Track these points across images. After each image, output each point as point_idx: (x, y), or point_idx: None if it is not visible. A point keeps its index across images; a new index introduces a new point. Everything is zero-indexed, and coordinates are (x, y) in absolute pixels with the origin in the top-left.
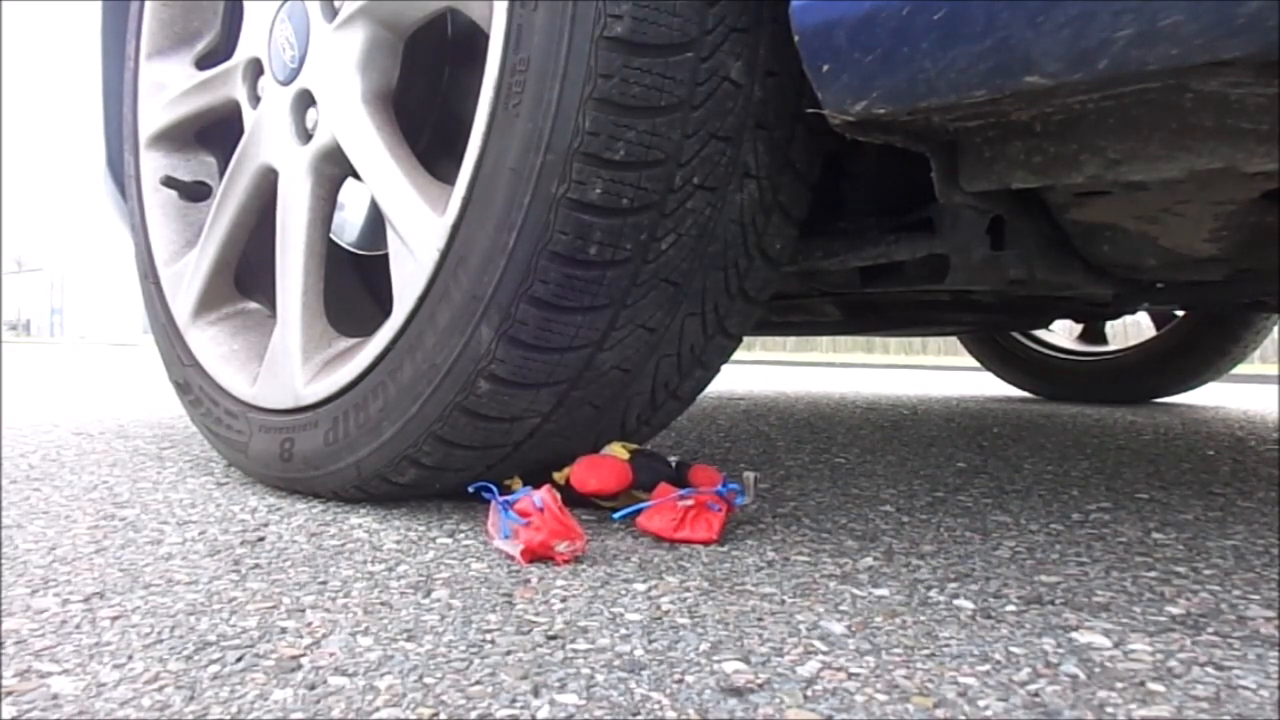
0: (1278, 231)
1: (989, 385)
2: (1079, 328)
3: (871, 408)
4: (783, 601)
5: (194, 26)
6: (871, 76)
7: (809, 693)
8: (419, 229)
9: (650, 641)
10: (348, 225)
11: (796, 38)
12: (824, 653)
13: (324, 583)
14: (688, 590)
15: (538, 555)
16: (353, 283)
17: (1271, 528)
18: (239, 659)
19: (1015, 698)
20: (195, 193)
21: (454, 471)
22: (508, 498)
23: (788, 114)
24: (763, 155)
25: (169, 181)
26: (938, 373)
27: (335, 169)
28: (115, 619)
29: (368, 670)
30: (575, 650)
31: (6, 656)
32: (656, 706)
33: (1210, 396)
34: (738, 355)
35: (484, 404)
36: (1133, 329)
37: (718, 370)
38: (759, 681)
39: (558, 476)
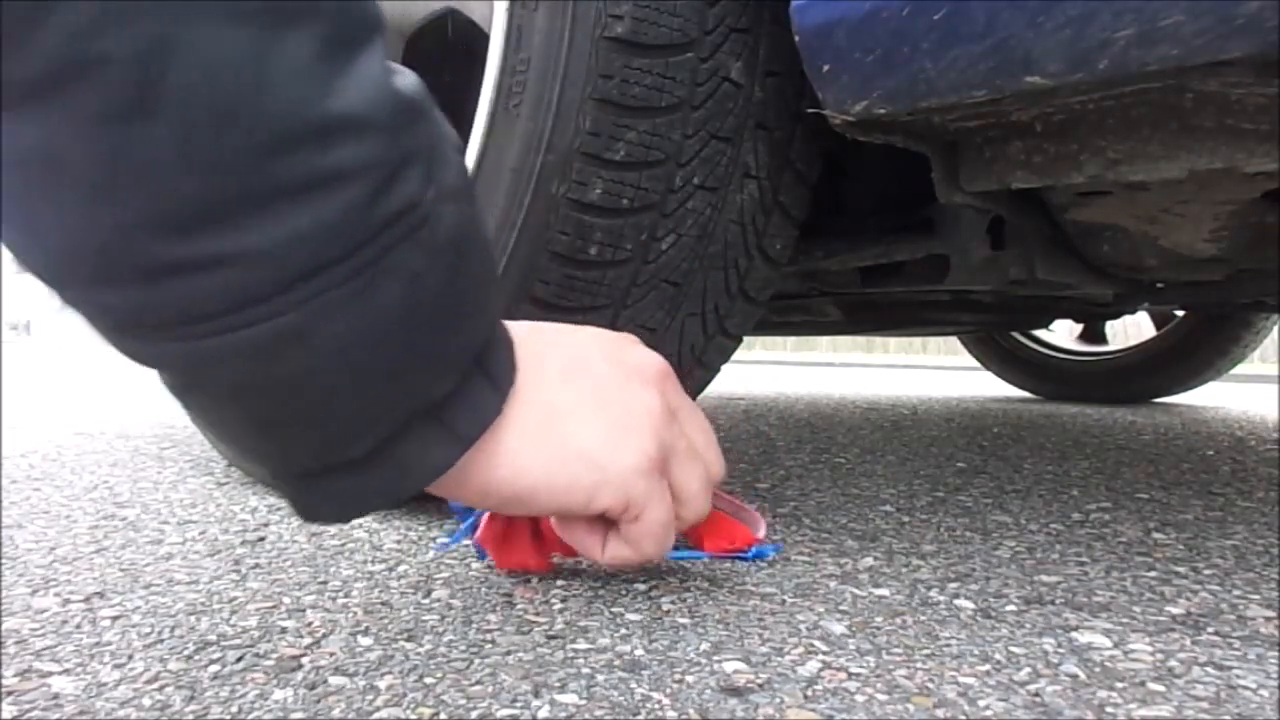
0: (1278, 231)
1: (989, 385)
2: (1079, 328)
3: (871, 408)
4: (783, 601)
5: None
6: (872, 76)
7: (809, 692)
8: None
9: (651, 641)
10: None
11: (796, 38)
12: (824, 653)
13: (324, 583)
14: (688, 590)
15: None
16: None
17: (1271, 528)
18: (239, 659)
19: (1016, 697)
20: None
21: None
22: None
23: (788, 114)
24: (763, 155)
25: None
26: (938, 373)
27: None
28: (115, 619)
29: (368, 670)
30: (575, 650)
31: (7, 656)
32: (657, 706)
33: (1210, 396)
34: (738, 355)
35: None
36: (1133, 329)
37: (718, 370)
38: (759, 681)
39: None
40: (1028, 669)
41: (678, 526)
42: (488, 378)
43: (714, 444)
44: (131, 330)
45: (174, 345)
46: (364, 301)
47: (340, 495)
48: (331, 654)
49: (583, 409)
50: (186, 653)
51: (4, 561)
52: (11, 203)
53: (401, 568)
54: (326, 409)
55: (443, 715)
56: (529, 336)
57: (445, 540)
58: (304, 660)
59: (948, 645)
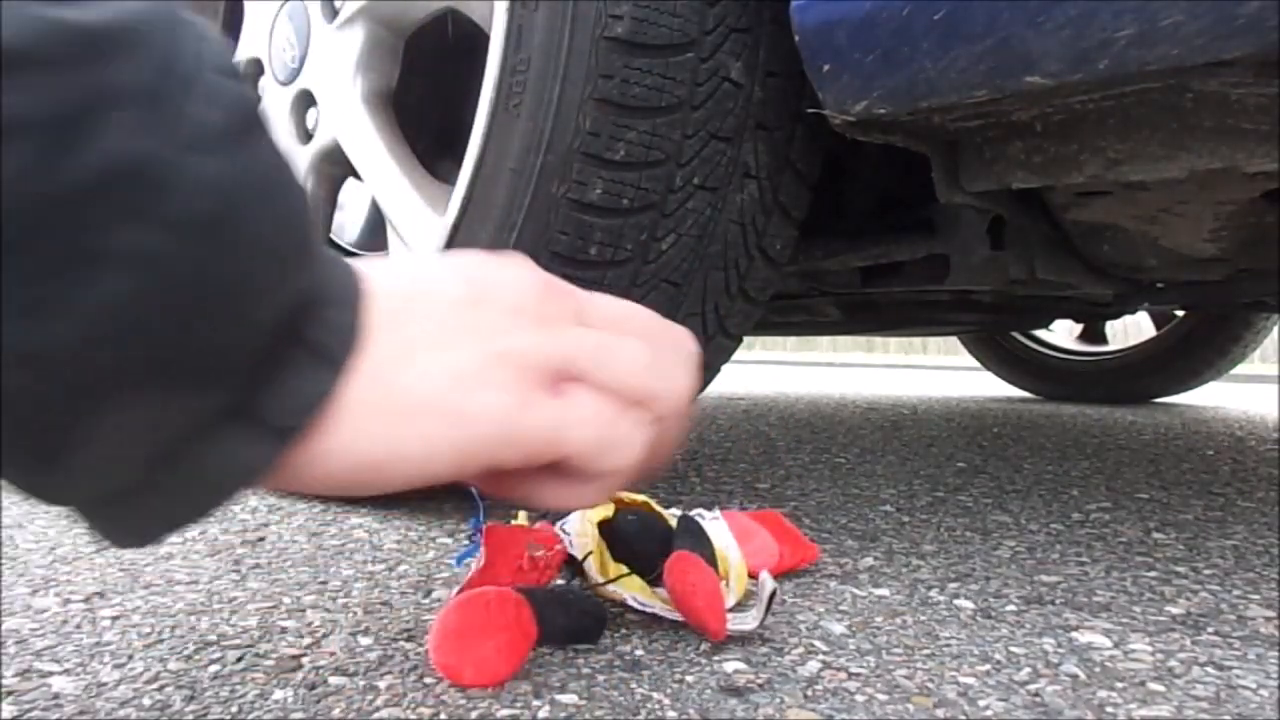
0: (1278, 231)
1: (989, 385)
2: (1079, 328)
3: (871, 408)
4: (783, 601)
5: None
6: (872, 76)
7: (809, 692)
8: (419, 229)
9: (651, 641)
10: (348, 225)
11: (796, 38)
12: (824, 653)
13: (324, 582)
14: None
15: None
16: None
17: (1271, 528)
18: (239, 659)
19: (1016, 697)
20: None
21: None
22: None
23: (788, 114)
24: (763, 155)
25: None
26: (938, 373)
27: (335, 169)
28: (115, 619)
29: (368, 670)
30: (575, 650)
31: (7, 656)
32: (657, 706)
33: (1210, 396)
34: (738, 355)
35: None
36: (1133, 329)
37: (718, 370)
38: (760, 681)
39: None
40: (1028, 669)
41: (656, 412)
42: (312, 352)
43: (645, 348)
44: None
45: None
46: (63, 308)
47: (127, 519)
48: (331, 654)
49: (428, 348)
50: (186, 653)
51: (4, 561)
52: None
53: (401, 568)
54: (55, 439)
55: (443, 715)
56: (391, 280)
57: (453, 559)
58: (304, 660)
59: (948, 645)
